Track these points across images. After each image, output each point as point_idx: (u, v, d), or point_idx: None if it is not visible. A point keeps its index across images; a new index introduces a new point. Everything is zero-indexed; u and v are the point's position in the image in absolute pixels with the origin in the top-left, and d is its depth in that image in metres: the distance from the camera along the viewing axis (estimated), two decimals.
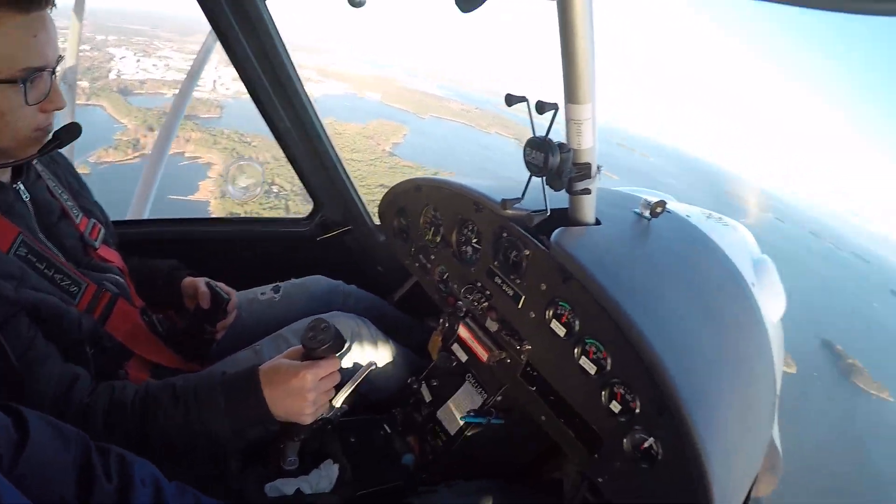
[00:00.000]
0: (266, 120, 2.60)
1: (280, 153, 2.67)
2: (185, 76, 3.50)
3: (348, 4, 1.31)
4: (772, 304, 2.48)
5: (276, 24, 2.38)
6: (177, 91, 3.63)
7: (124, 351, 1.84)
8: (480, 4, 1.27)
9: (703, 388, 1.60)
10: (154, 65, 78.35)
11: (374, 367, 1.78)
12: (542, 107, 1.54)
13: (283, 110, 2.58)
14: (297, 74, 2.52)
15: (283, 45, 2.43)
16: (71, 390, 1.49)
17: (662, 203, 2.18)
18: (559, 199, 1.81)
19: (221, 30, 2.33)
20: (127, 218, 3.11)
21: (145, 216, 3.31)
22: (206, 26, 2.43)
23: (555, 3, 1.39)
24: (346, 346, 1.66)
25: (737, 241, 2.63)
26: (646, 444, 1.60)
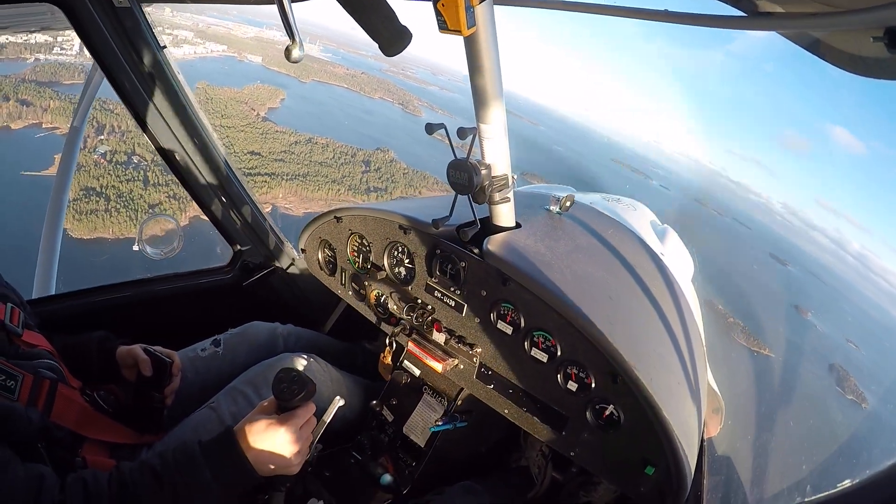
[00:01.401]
0: (173, 170, 2.53)
1: None
2: (70, 127, 3.27)
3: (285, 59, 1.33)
4: (681, 266, 2.76)
5: (172, 66, 2.32)
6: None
7: (76, 437, 1.76)
8: (403, 49, 1.37)
9: (644, 350, 1.80)
10: None
11: (341, 402, 1.79)
12: (463, 132, 1.67)
13: (190, 159, 2.52)
14: (199, 117, 2.47)
15: (182, 87, 2.38)
16: (41, 492, 1.41)
17: (571, 197, 2.37)
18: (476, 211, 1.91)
19: (116, 79, 2.24)
20: (34, 297, 2.89)
21: (52, 291, 3.09)
22: None
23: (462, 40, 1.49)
24: (315, 388, 1.67)
25: (639, 217, 2.89)
26: (607, 412, 1.78)
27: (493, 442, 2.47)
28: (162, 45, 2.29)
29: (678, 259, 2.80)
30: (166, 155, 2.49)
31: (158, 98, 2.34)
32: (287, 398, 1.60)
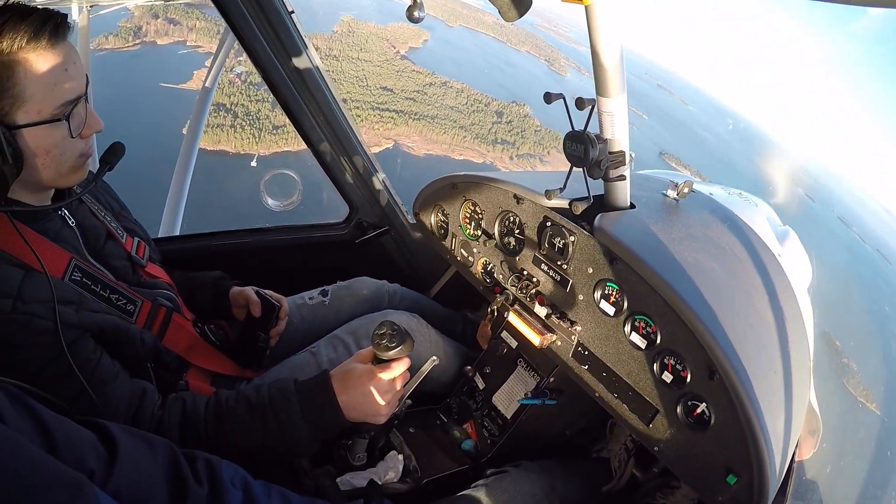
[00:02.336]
0: (297, 128, 2.65)
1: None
2: (202, 87, 3.50)
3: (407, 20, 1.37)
4: (799, 273, 2.58)
5: (299, 29, 2.42)
6: None
7: (183, 363, 1.91)
8: (522, 14, 1.36)
9: (748, 352, 1.69)
10: None
11: (436, 362, 1.82)
12: (581, 103, 1.64)
13: (313, 118, 2.64)
14: (324, 78, 2.57)
15: (308, 51, 2.48)
16: (141, 405, 1.55)
17: (689, 184, 2.28)
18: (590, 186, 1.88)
19: (243, 36, 2.35)
20: (160, 235, 3.14)
21: (176, 232, 3.35)
22: None
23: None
24: (413, 345, 1.71)
25: (760, 215, 2.72)
26: (698, 410, 1.70)
27: (578, 428, 2.44)
28: (290, 10, 2.40)
29: (796, 264, 2.62)
30: (292, 115, 2.61)
31: (286, 63, 2.46)
32: (384, 350, 1.64)
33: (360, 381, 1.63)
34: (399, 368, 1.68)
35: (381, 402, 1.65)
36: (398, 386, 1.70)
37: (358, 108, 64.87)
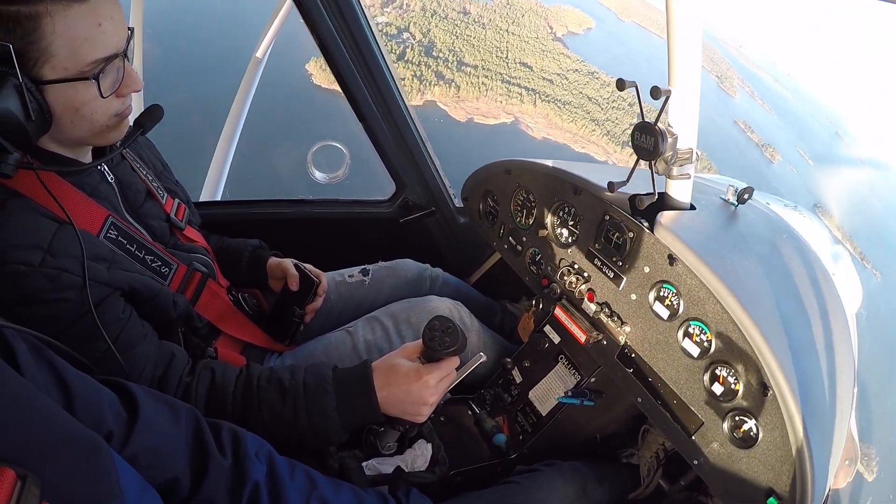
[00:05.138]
0: (350, 100, 2.61)
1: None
2: (252, 57, 3.47)
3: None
4: (850, 294, 2.50)
5: (363, 5, 2.38)
6: None
7: (213, 330, 1.88)
8: None
9: (804, 371, 1.62)
10: None
11: (483, 359, 1.67)
12: (656, 92, 1.58)
13: (367, 90, 2.58)
14: (382, 53, 2.53)
15: (369, 24, 2.44)
16: (169, 368, 1.52)
17: (750, 189, 2.20)
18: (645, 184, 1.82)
19: (303, 6, 2.30)
20: (201, 199, 3.13)
21: (218, 198, 3.35)
22: None
23: None
24: (466, 344, 1.61)
25: (815, 231, 2.65)
26: (746, 426, 1.63)
27: (611, 432, 2.38)
28: None
29: (848, 286, 2.54)
30: (345, 86, 2.57)
31: (344, 32, 2.42)
32: (437, 348, 1.54)
33: (404, 380, 1.54)
34: (447, 368, 1.58)
35: (425, 403, 1.56)
36: (444, 387, 1.60)
37: (486, 77, 63.86)
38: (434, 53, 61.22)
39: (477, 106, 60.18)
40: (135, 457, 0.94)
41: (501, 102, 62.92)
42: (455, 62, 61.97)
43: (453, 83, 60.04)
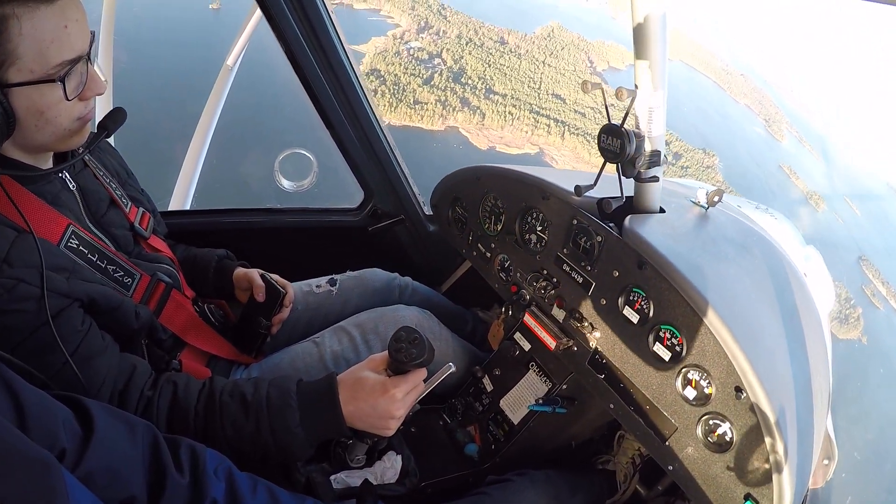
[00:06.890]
0: (317, 108, 2.57)
1: None
2: (223, 65, 3.44)
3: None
4: (822, 295, 2.51)
5: (328, 7, 2.34)
6: None
7: (178, 342, 1.83)
8: None
9: (778, 373, 1.61)
10: None
11: (452, 370, 1.63)
12: (620, 93, 1.56)
13: (335, 98, 2.54)
14: (351, 63, 2.49)
15: (338, 33, 2.40)
16: (130, 382, 1.47)
17: (720, 192, 2.20)
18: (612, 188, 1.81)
19: (269, 8, 2.25)
20: (169, 209, 3.07)
21: (187, 207, 3.29)
22: None
23: None
24: (434, 355, 1.57)
25: (785, 231, 2.66)
26: (720, 430, 1.61)
27: (585, 438, 2.36)
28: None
29: (820, 286, 2.55)
30: (313, 93, 2.53)
31: (312, 40, 2.38)
32: (403, 360, 1.50)
33: (370, 394, 1.49)
34: (415, 381, 1.54)
35: (392, 416, 1.52)
36: (412, 399, 1.56)
37: (514, 106, 63.57)
38: (462, 80, 61.19)
39: (501, 135, 59.82)
40: (89, 475, 0.91)
41: (527, 133, 62.46)
42: (483, 89, 61.84)
43: (478, 110, 59.59)
